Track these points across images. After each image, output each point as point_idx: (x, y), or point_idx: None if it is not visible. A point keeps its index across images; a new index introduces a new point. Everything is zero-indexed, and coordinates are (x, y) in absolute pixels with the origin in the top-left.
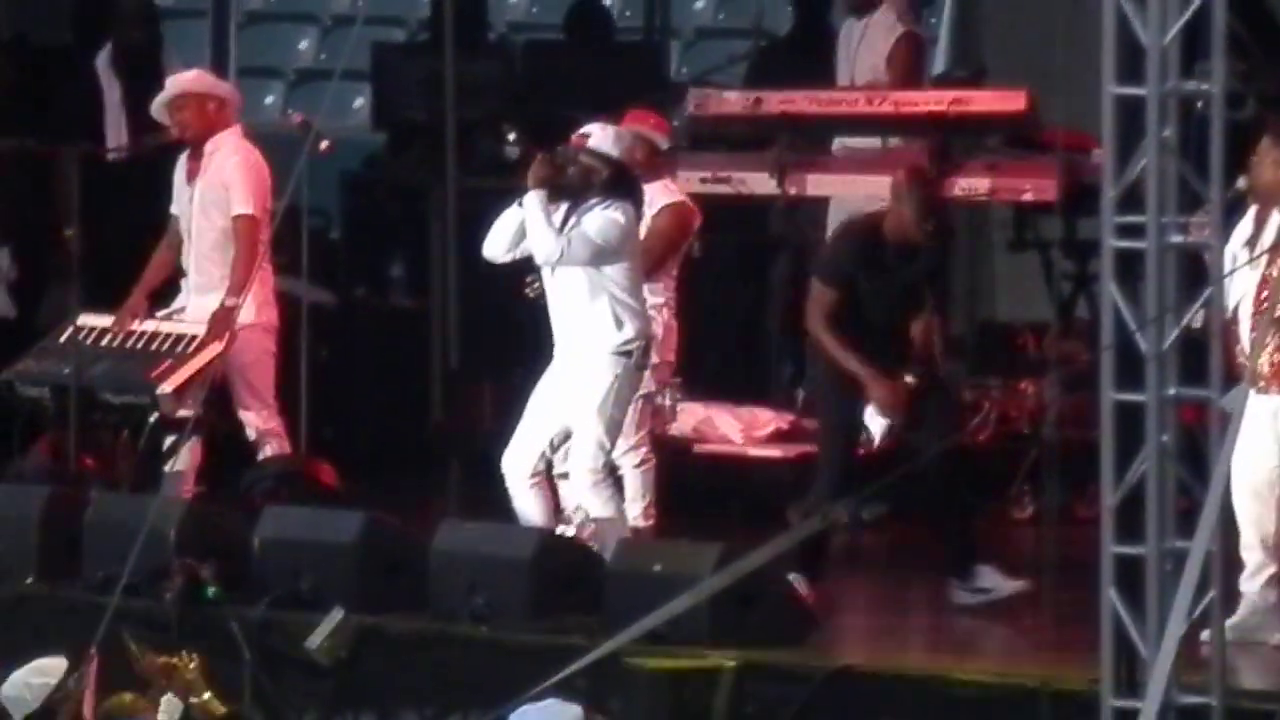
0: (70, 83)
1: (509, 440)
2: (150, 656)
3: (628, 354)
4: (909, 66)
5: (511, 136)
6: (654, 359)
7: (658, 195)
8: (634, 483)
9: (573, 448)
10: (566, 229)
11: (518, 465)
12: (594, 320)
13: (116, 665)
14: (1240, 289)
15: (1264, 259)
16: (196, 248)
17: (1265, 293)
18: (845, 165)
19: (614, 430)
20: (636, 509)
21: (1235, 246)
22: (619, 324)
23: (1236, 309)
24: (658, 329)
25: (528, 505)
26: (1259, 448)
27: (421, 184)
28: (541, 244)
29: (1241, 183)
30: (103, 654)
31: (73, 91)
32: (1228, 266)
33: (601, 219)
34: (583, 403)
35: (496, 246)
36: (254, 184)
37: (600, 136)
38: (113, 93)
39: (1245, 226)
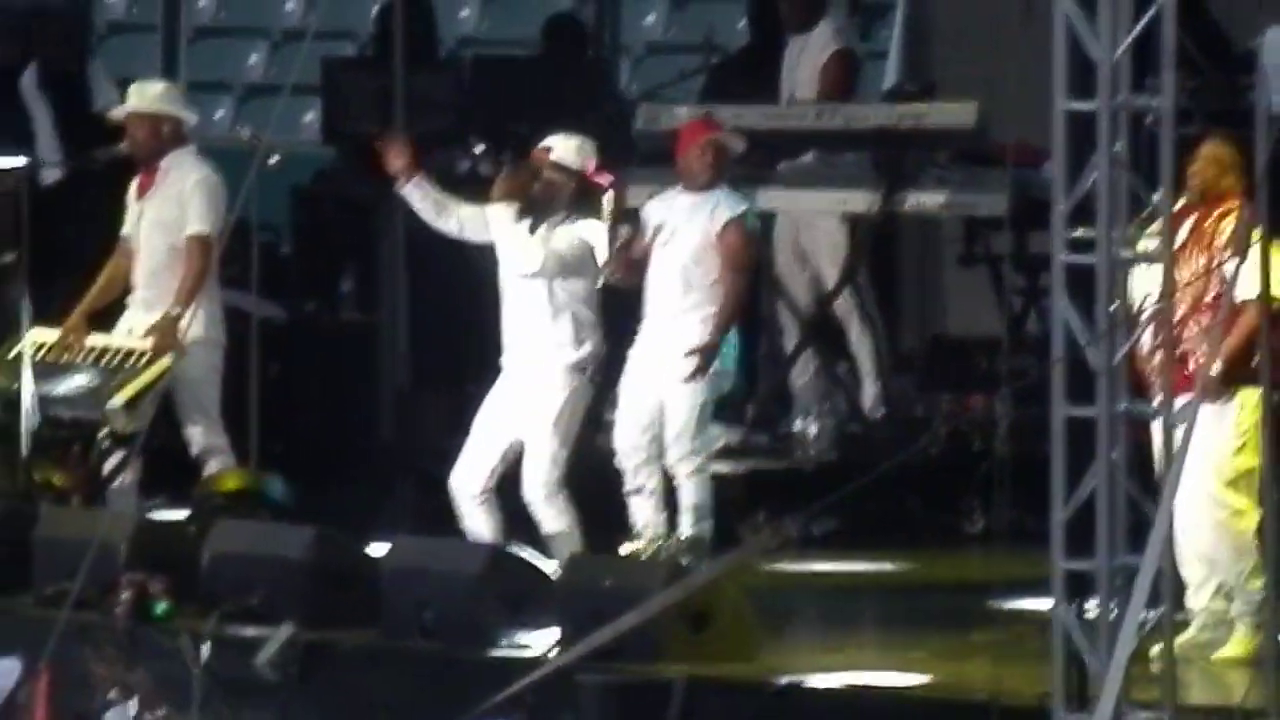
0: (3, 103)
1: (458, 455)
2: None
3: (583, 369)
4: (840, 83)
5: (479, 149)
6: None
7: (723, 202)
8: (688, 491)
9: (526, 463)
10: (539, 242)
11: (467, 483)
12: (554, 334)
13: (67, 679)
14: (1140, 294)
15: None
16: (146, 264)
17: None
18: (793, 179)
19: (569, 445)
20: (692, 518)
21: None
22: (579, 340)
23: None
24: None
25: (477, 523)
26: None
27: (371, 199)
28: (525, 254)
29: (1182, 200)
30: (53, 668)
31: (4, 113)
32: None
33: (572, 234)
34: (538, 417)
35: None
36: (211, 203)
37: (563, 149)
38: (41, 114)
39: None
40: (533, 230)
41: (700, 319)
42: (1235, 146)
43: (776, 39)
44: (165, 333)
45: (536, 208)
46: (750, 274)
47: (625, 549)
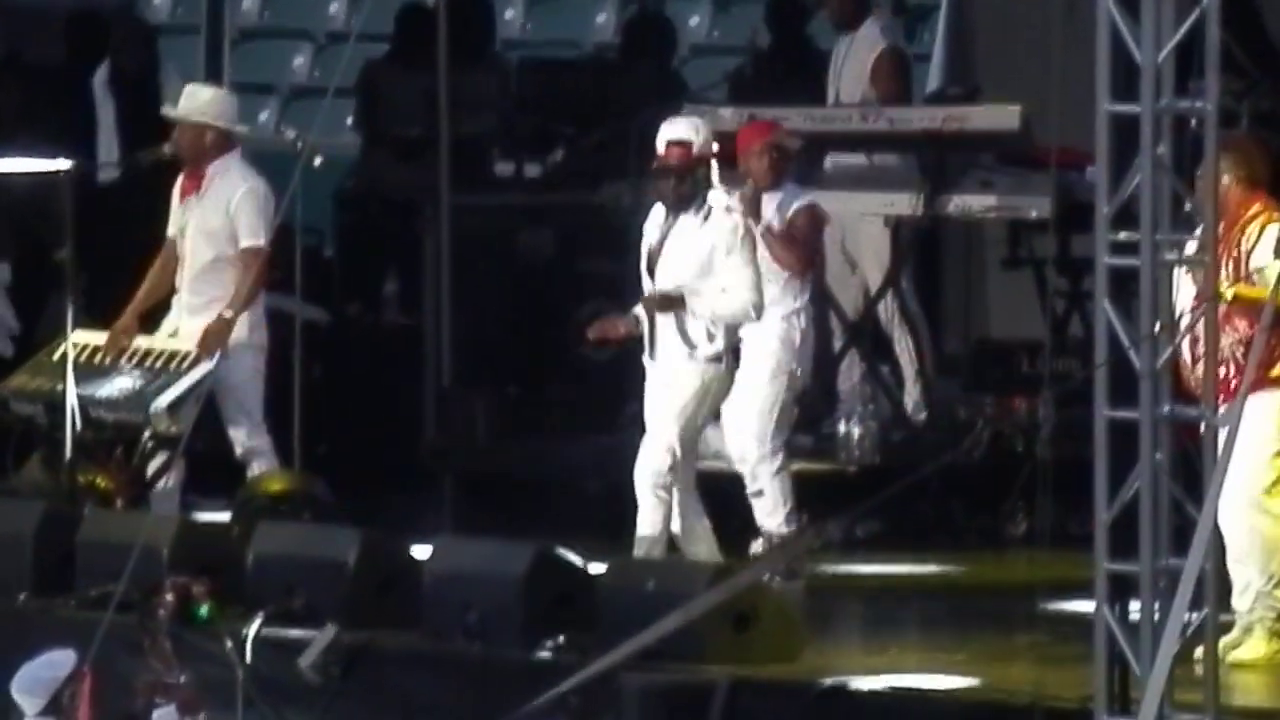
0: (64, 101)
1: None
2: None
3: (718, 359)
4: (894, 81)
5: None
6: (794, 366)
7: (789, 196)
8: (772, 491)
9: (643, 449)
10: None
11: (640, 473)
12: (690, 327)
13: (110, 683)
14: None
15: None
16: (191, 268)
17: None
18: (838, 181)
19: (688, 436)
20: (778, 518)
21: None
22: (710, 335)
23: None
24: (795, 335)
25: (644, 514)
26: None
27: (415, 202)
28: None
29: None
30: (96, 671)
31: (67, 110)
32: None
33: (710, 230)
34: (668, 406)
35: None
36: (261, 214)
37: (690, 131)
38: (106, 113)
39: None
40: (673, 225)
41: (781, 315)
42: (1234, 147)
43: (802, 37)
44: (215, 333)
45: (682, 203)
46: (820, 258)
47: (755, 547)
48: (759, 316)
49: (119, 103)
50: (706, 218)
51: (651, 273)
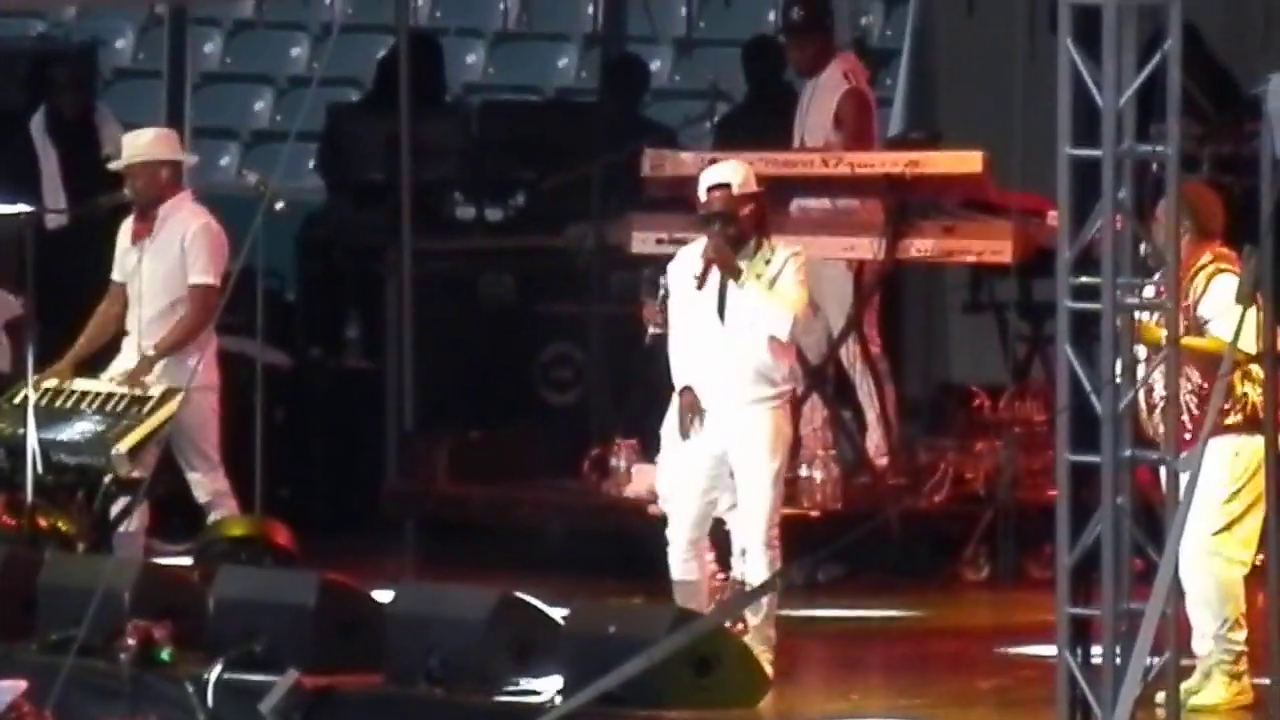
0: (12, 146)
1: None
2: None
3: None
4: (857, 123)
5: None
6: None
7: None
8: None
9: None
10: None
11: (682, 524)
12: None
13: None
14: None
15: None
16: (145, 311)
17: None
18: (801, 226)
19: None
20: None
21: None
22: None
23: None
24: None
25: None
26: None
27: (377, 245)
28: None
29: (1144, 247)
30: (57, 715)
31: (13, 155)
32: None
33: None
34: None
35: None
36: (214, 252)
37: (733, 174)
38: (49, 159)
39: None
40: (734, 278)
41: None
42: (1186, 196)
43: (780, 83)
44: (138, 370)
45: (734, 247)
46: None
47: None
48: (788, 338)
49: (59, 149)
50: (767, 261)
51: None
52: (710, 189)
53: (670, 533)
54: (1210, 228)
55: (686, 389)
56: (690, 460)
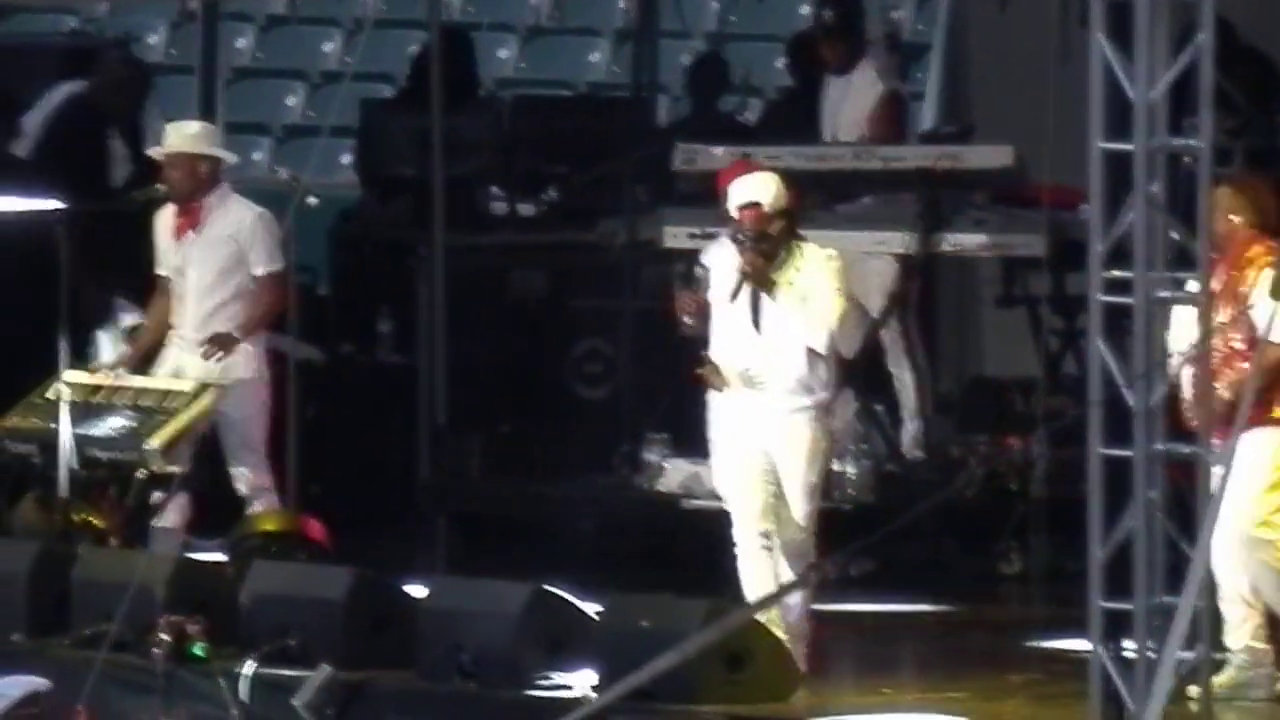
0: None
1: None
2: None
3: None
4: (892, 125)
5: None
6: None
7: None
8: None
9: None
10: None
11: (749, 528)
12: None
13: None
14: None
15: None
16: (201, 305)
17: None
18: (833, 221)
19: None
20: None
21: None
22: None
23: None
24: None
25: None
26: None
27: (409, 240)
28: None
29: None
30: (90, 710)
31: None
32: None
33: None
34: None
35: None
36: (274, 239)
37: (764, 191)
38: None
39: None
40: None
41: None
42: (1247, 190)
43: (816, 80)
44: (222, 342)
45: (769, 261)
46: None
47: None
48: (825, 350)
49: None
50: (798, 269)
51: (757, 325)
52: (742, 208)
53: (737, 532)
54: (1267, 222)
55: (708, 364)
56: (744, 456)
